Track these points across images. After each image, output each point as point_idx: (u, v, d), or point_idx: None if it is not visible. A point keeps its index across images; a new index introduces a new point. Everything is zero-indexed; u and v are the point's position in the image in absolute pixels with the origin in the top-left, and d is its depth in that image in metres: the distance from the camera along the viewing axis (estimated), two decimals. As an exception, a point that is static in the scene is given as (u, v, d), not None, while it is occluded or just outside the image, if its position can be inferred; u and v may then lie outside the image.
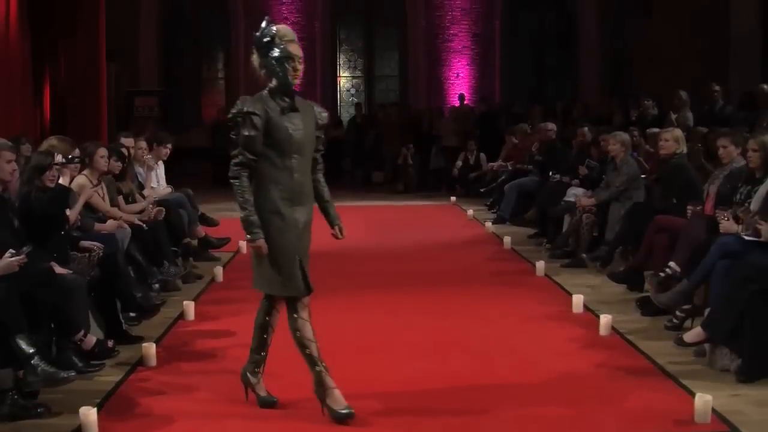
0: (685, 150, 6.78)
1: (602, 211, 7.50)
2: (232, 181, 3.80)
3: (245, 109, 3.77)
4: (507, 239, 8.69)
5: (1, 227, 4.46)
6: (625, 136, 7.76)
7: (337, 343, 4.68)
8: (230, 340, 5.29)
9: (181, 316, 5.81)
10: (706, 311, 4.92)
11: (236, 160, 3.79)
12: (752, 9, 13.23)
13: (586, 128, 9.69)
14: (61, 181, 5.31)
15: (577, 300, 5.94)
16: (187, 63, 18.77)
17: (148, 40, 18.15)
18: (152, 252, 6.46)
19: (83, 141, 6.47)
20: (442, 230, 9.94)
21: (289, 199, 3.82)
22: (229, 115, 3.85)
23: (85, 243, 5.38)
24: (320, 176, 4.06)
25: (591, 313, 5.82)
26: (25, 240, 4.47)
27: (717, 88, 10.17)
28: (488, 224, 9.95)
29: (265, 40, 3.87)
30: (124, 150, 7.04)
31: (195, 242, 7.91)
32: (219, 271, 7.16)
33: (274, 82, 3.86)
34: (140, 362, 4.76)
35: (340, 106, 18.77)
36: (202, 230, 8.05)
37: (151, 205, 6.84)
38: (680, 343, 4.85)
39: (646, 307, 5.76)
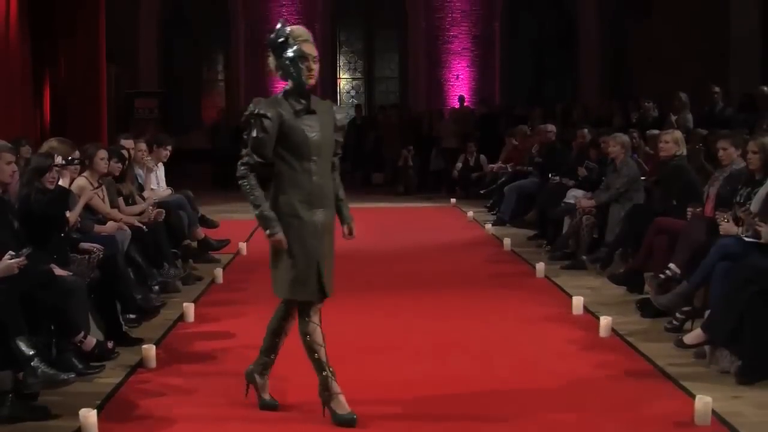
0: (684, 152, 6.79)
1: (602, 213, 7.50)
2: (239, 182, 3.77)
3: (257, 111, 3.73)
4: (507, 241, 8.69)
5: (0, 229, 4.46)
6: (625, 138, 7.76)
7: (336, 344, 4.66)
8: (230, 342, 5.30)
9: (181, 317, 5.81)
10: (706, 313, 4.92)
11: (243, 161, 3.77)
12: (752, 10, 13.23)
13: (585, 130, 9.70)
14: (61, 182, 5.31)
15: (577, 302, 5.94)
16: (187, 65, 18.78)
17: (148, 42, 18.17)
18: (152, 254, 6.46)
19: (83, 143, 6.47)
20: (442, 232, 9.94)
21: (308, 202, 3.78)
22: (243, 117, 3.82)
23: (85, 245, 5.39)
24: (336, 175, 4.01)
25: (591, 314, 5.81)
26: (25, 242, 4.47)
27: (717, 89, 10.18)
28: (488, 226, 9.95)
29: (279, 40, 3.81)
30: (124, 152, 7.04)
31: (195, 244, 7.91)
32: (219, 272, 7.16)
33: (289, 84, 3.82)
34: (140, 364, 4.75)
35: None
36: (202, 232, 8.04)
37: (151, 207, 6.84)
38: (680, 344, 4.85)
39: (646, 308, 5.76)
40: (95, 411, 3.84)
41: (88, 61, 11.58)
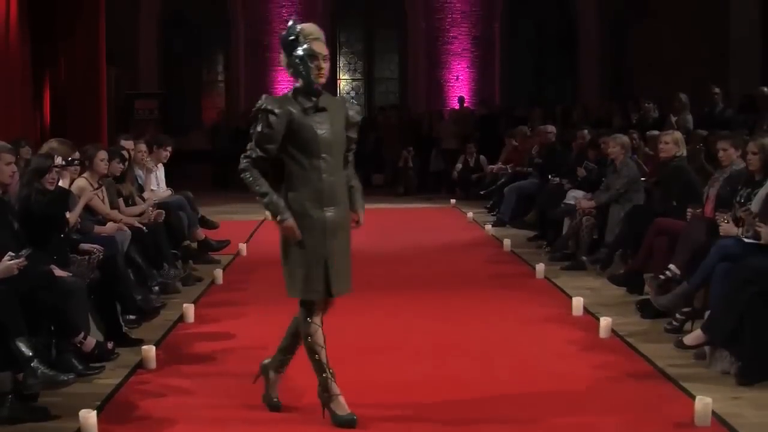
0: (684, 153, 6.79)
1: (602, 214, 7.50)
2: (242, 175, 3.75)
3: (264, 106, 3.71)
4: (507, 242, 8.69)
5: (0, 229, 4.46)
6: (625, 139, 7.76)
7: (336, 345, 4.66)
8: (230, 343, 5.29)
9: (181, 318, 5.81)
10: (706, 314, 4.92)
11: (246, 154, 3.75)
12: (752, 12, 13.23)
13: (585, 131, 9.70)
14: (60, 183, 5.31)
15: (577, 302, 5.94)
16: (187, 66, 18.77)
17: (148, 43, 18.16)
18: (152, 255, 6.46)
19: (83, 144, 6.47)
20: (442, 233, 9.94)
21: (317, 200, 3.75)
22: (251, 112, 3.80)
23: (84, 245, 5.38)
24: (349, 167, 3.99)
25: (591, 315, 5.81)
26: (25, 242, 4.47)
27: (717, 90, 10.17)
28: (488, 227, 9.95)
29: (290, 38, 3.78)
30: (124, 152, 7.04)
31: (195, 245, 7.91)
32: (219, 273, 7.16)
33: (299, 82, 3.81)
34: (140, 365, 4.75)
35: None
36: (201, 233, 8.05)
37: (150, 208, 6.85)
38: (680, 345, 4.86)
39: (646, 309, 5.76)
40: (95, 412, 3.84)
41: (88, 62, 11.59)
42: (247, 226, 9.87)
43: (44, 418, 3.96)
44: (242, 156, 3.77)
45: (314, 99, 3.79)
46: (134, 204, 6.99)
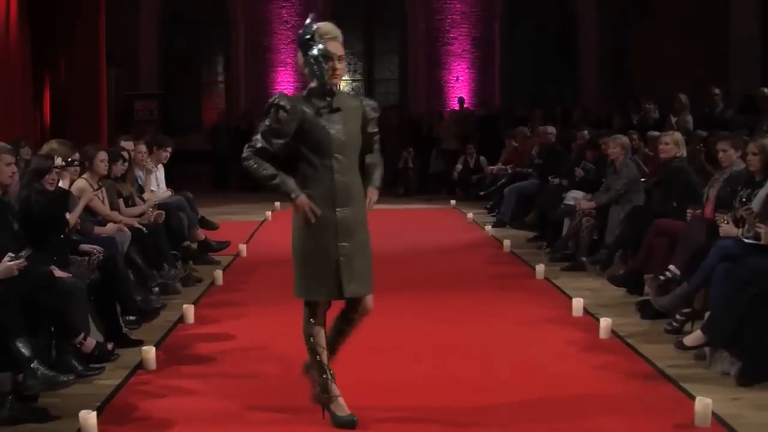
0: (684, 153, 6.79)
1: (602, 215, 7.50)
2: (245, 163, 3.73)
3: (277, 101, 3.70)
4: (507, 242, 8.69)
5: (0, 230, 4.46)
6: (625, 139, 7.76)
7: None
8: (230, 344, 5.29)
9: (181, 319, 5.81)
10: (706, 314, 4.92)
11: (250, 144, 3.74)
12: (753, 12, 13.24)
13: (585, 132, 9.70)
14: (60, 184, 5.31)
15: (577, 303, 5.93)
16: (187, 66, 18.79)
17: (148, 43, 18.18)
18: (152, 255, 6.46)
19: (83, 144, 6.47)
20: (442, 233, 9.94)
21: (329, 200, 3.72)
22: (264, 108, 3.78)
23: (84, 246, 5.38)
24: (375, 150, 3.97)
25: (591, 316, 5.81)
26: (25, 243, 4.46)
27: (717, 91, 10.17)
28: (488, 227, 9.95)
29: (305, 37, 3.75)
30: (124, 153, 7.04)
31: (195, 245, 7.91)
32: (219, 274, 7.16)
33: (314, 82, 3.77)
34: (140, 366, 4.75)
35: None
36: (201, 233, 8.04)
37: (150, 209, 6.84)
38: (680, 346, 4.85)
39: (646, 310, 5.76)
40: (95, 413, 3.84)
41: (88, 63, 11.61)
42: (247, 227, 9.87)
43: (44, 418, 3.96)
44: (245, 146, 3.76)
45: (328, 99, 3.76)
46: (134, 205, 6.99)
